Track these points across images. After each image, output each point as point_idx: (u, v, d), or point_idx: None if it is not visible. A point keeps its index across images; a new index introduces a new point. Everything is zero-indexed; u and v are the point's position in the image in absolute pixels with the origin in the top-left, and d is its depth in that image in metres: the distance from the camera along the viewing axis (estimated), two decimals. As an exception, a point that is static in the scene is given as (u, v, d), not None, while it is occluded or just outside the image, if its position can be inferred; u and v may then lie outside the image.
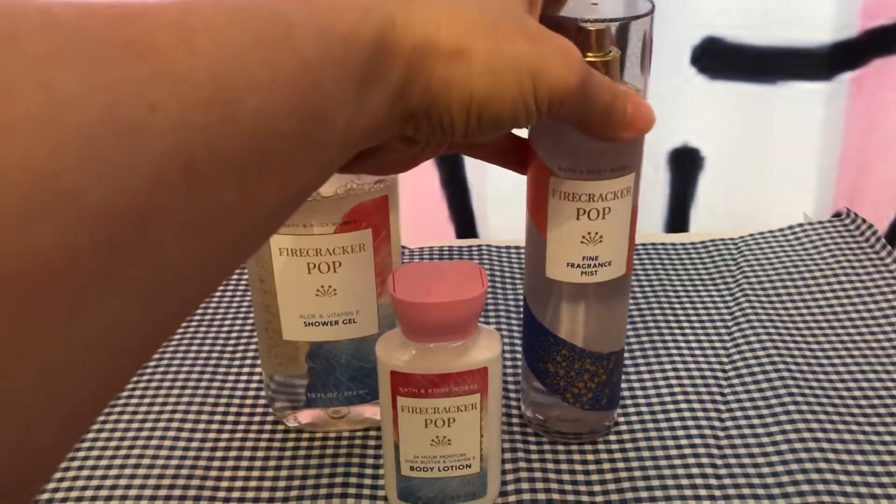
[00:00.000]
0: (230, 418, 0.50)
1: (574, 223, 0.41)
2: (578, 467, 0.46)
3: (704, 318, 0.58)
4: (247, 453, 0.47)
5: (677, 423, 0.48)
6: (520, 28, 0.30)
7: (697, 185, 0.77)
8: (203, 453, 0.47)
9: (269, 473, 0.46)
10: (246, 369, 0.54)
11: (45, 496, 0.44)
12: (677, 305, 0.59)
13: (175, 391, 0.52)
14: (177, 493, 0.44)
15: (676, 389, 0.51)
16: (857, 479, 0.44)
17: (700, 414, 0.49)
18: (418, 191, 0.76)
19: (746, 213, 0.77)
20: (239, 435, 0.48)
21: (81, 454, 0.47)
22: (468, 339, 0.39)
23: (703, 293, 0.61)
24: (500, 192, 0.77)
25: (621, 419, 0.49)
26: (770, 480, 0.44)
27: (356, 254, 0.44)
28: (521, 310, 0.59)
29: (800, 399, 0.49)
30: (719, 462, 0.45)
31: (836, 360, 0.53)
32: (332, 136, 0.24)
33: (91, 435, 0.48)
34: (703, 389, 0.51)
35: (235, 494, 0.44)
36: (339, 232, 0.43)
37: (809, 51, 0.71)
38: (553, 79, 0.29)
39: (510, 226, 0.69)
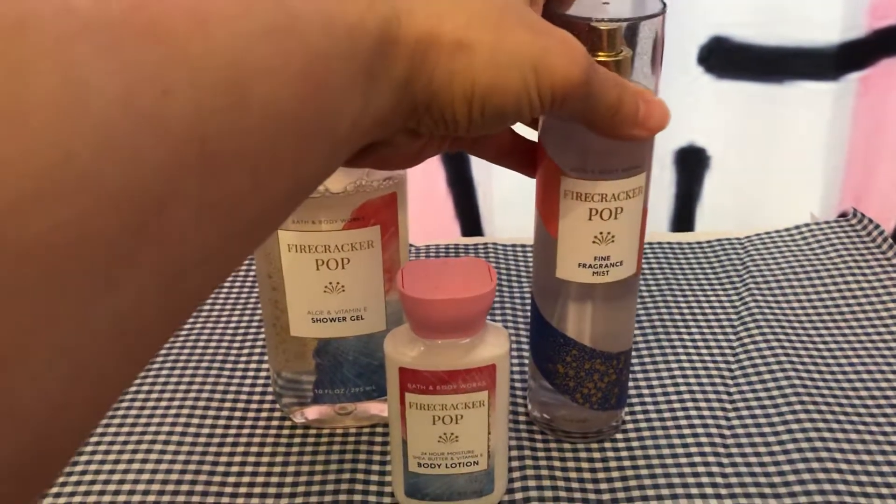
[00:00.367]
0: (237, 414, 0.50)
1: (586, 223, 0.41)
2: (585, 466, 0.46)
3: (711, 317, 0.58)
4: (254, 449, 0.47)
5: (684, 423, 0.48)
6: (522, 21, 0.30)
7: (703, 184, 0.77)
8: (210, 449, 0.47)
9: (277, 469, 0.46)
10: (253, 365, 0.54)
11: (53, 490, 0.44)
12: (683, 305, 0.59)
13: (182, 387, 0.52)
14: (184, 487, 0.44)
15: (683, 389, 0.51)
16: (863, 479, 0.44)
17: (706, 413, 0.49)
18: (424, 189, 0.77)
19: (752, 212, 0.77)
20: (246, 431, 0.49)
21: (89, 448, 0.47)
22: (476, 336, 0.39)
23: (709, 293, 0.61)
24: (505, 191, 0.77)
25: (628, 418, 0.49)
26: (776, 480, 0.44)
27: (364, 250, 0.44)
28: (527, 309, 0.59)
29: (806, 399, 0.49)
30: (726, 461, 0.45)
31: (843, 360, 0.53)
32: (340, 127, 0.25)
33: (99, 430, 0.48)
34: (709, 389, 0.51)
35: (243, 490, 0.44)
36: (348, 228, 0.43)
37: (817, 50, 0.71)
38: (556, 72, 0.29)
39: (516, 224, 0.69)
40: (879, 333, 0.55)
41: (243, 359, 0.55)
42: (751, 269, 0.63)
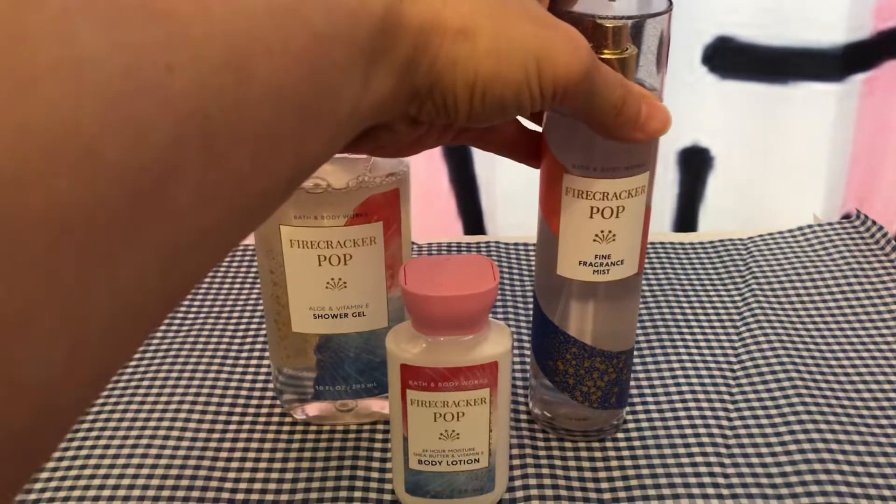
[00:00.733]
0: (238, 410, 0.50)
1: (587, 221, 0.41)
2: (586, 464, 0.45)
3: (713, 317, 0.58)
4: (254, 445, 0.47)
5: (685, 423, 0.48)
6: (527, 13, 0.30)
7: (707, 184, 0.77)
8: (210, 444, 0.47)
9: (277, 465, 0.46)
10: (254, 361, 0.54)
11: (53, 484, 0.44)
12: (686, 305, 0.59)
13: (183, 382, 0.52)
14: (184, 482, 0.44)
15: (685, 388, 0.51)
16: (865, 480, 0.44)
17: (708, 413, 0.49)
18: (427, 187, 0.76)
19: (755, 213, 0.77)
20: (246, 427, 0.48)
21: (89, 443, 0.47)
22: (479, 333, 0.39)
23: (711, 293, 0.60)
24: (508, 189, 0.77)
25: (629, 417, 0.49)
26: (778, 480, 0.44)
27: (367, 247, 0.44)
28: (529, 307, 0.59)
29: (808, 399, 0.49)
30: (727, 461, 0.45)
31: (845, 362, 0.53)
32: (340, 109, 0.25)
33: (98, 424, 0.48)
34: (711, 389, 0.51)
35: (242, 486, 0.44)
36: (351, 224, 0.43)
37: (821, 51, 0.71)
38: (558, 65, 0.29)
39: (518, 223, 0.69)
40: (882, 335, 0.55)
41: (244, 355, 0.54)
42: (753, 269, 0.63)
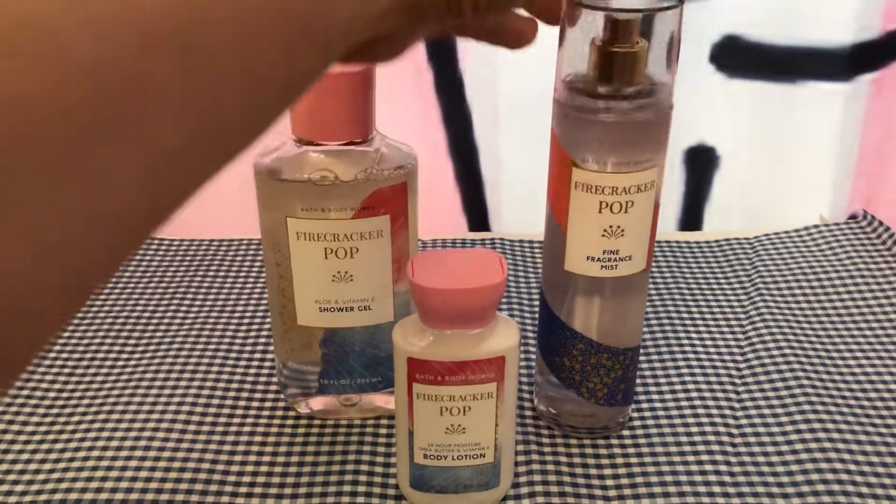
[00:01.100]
0: (241, 403, 0.49)
1: (596, 216, 0.41)
2: (591, 461, 0.45)
3: (719, 316, 0.57)
4: (258, 439, 0.47)
5: (691, 421, 0.48)
6: None
7: (713, 183, 0.77)
8: (214, 438, 0.47)
9: (280, 459, 0.45)
10: (258, 354, 0.54)
11: (55, 475, 0.44)
12: (691, 303, 0.59)
13: (186, 375, 0.51)
14: (187, 476, 0.44)
15: (690, 387, 0.51)
16: (872, 480, 0.43)
17: (714, 412, 0.49)
18: (432, 183, 0.76)
19: (761, 212, 0.76)
20: (250, 420, 0.48)
21: (92, 435, 0.46)
22: (486, 327, 0.39)
23: (717, 292, 0.60)
24: (514, 186, 0.76)
25: (635, 415, 0.48)
26: (784, 479, 0.44)
27: (374, 240, 0.43)
28: (534, 304, 0.59)
29: (815, 399, 0.49)
30: (733, 460, 0.45)
31: (852, 362, 0.53)
32: (336, 21, 0.24)
33: (101, 416, 0.48)
34: (717, 387, 0.51)
35: (246, 479, 0.44)
36: (358, 217, 0.43)
37: (829, 51, 0.70)
38: None
39: (524, 220, 0.69)
40: (889, 335, 0.55)
41: (248, 348, 0.54)
42: (759, 269, 0.62)
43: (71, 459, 0.45)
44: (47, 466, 0.44)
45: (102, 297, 0.59)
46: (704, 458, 0.45)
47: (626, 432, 0.47)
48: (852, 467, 0.44)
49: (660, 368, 0.52)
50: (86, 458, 0.45)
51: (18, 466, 0.44)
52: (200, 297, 0.59)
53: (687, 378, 0.52)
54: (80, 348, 0.54)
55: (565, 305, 0.44)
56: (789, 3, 0.70)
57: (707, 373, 0.52)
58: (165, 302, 0.59)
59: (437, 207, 0.76)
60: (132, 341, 0.55)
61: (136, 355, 0.53)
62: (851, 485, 0.43)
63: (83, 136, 0.17)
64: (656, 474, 0.44)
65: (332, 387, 0.47)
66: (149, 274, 0.62)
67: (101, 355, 0.53)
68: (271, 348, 0.54)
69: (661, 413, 0.49)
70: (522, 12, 0.36)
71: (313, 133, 0.42)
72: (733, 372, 0.52)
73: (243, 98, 0.22)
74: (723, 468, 0.45)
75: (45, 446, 0.46)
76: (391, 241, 0.44)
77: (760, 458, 0.45)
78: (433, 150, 0.74)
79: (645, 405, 0.49)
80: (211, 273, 0.62)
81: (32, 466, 0.44)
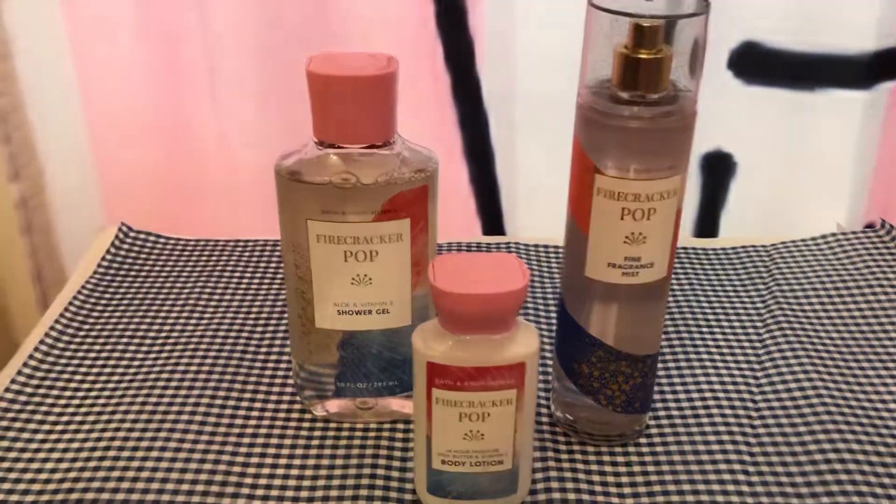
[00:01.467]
0: (257, 405, 0.49)
1: (618, 223, 0.40)
2: (608, 469, 0.45)
3: (735, 324, 0.57)
4: (274, 440, 0.47)
5: (708, 429, 0.48)
6: None
7: (729, 190, 0.77)
8: (230, 439, 0.47)
9: (297, 462, 0.45)
10: (274, 356, 0.54)
11: (72, 475, 0.44)
12: (708, 310, 0.59)
13: (202, 376, 0.51)
14: (203, 477, 0.44)
15: (707, 395, 0.50)
16: (892, 492, 0.43)
17: (731, 420, 0.48)
18: (446, 186, 0.76)
19: (777, 220, 0.76)
20: (266, 422, 0.48)
21: (108, 435, 0.46)
22: (507, 333, 0.38)
23: (734, 299, 0.60)
24: (529, 190, 0.76)
25: (652, 422, 0.48)
26: (804, 490, 0.43)
27: (393, 243, 0.43)
28: (550, 309, 0.58)
29: (833, 409, 0.49)
30: (751, 469, 0.45)
31: (871, 372, 0.52)
32: None
33: (118, 416, 0.48)
34: (734, 396, 0.50)
35: (262, 481, 0.44)
36: (378, 220, 0.42)
37: (849, 58, 0.70)
38: None
39: (538, 224, 0.69)
40: (908, 346, 0.55)
41: (264, 349, 0.54)
42: (776, 276, 0.62)
43: (87, 459, 0.45)
44: (64, 465, 0.44)
45: (118, 296, 0.59)
46: (722, 466, 0.45)
47: (643, 440, 0.47)
48: (872, 479, 0.44)
49: (676, 375, 0.52)
50: (102, 459, 0.45)
51: (35, 465, 0.44)
52: (216, 297, 0.59)
53: (703, 385, 0.51)
54: (97, 347, 0.54)
55: (584, 311, 0.44)
56: (809, 10, 0.69)
57: (724, 380, 0.52)
58: (181, 302, 0.59)
59: (451, 210, 0.76)
60: (148, 341, 0.55)
61: (153, 355, 0.53)
62: (872, 497, 0.43)
63: None
64: (673, 482, 0.44)
65: (349, 390, 0.47)
66: (164, 274, 0.62)
67: (116, 355, 0.53)
68: (287, 350, 0.54)
69: (677, 420, 0.48)
70: None
71: (335, 136, 0.42)
72: (750, 380, 0.52)
73: None
74: (740, 477, 0.44)
75: (61, 445, 0.46)
76: (411, 245, 0.44)
77: (779, 468, 0.45)
78: (448, 154, 0.74)
79: (662, 412, 0.49)
80: (227, 274, 0.62)
81: (49, 465, 0.44)
